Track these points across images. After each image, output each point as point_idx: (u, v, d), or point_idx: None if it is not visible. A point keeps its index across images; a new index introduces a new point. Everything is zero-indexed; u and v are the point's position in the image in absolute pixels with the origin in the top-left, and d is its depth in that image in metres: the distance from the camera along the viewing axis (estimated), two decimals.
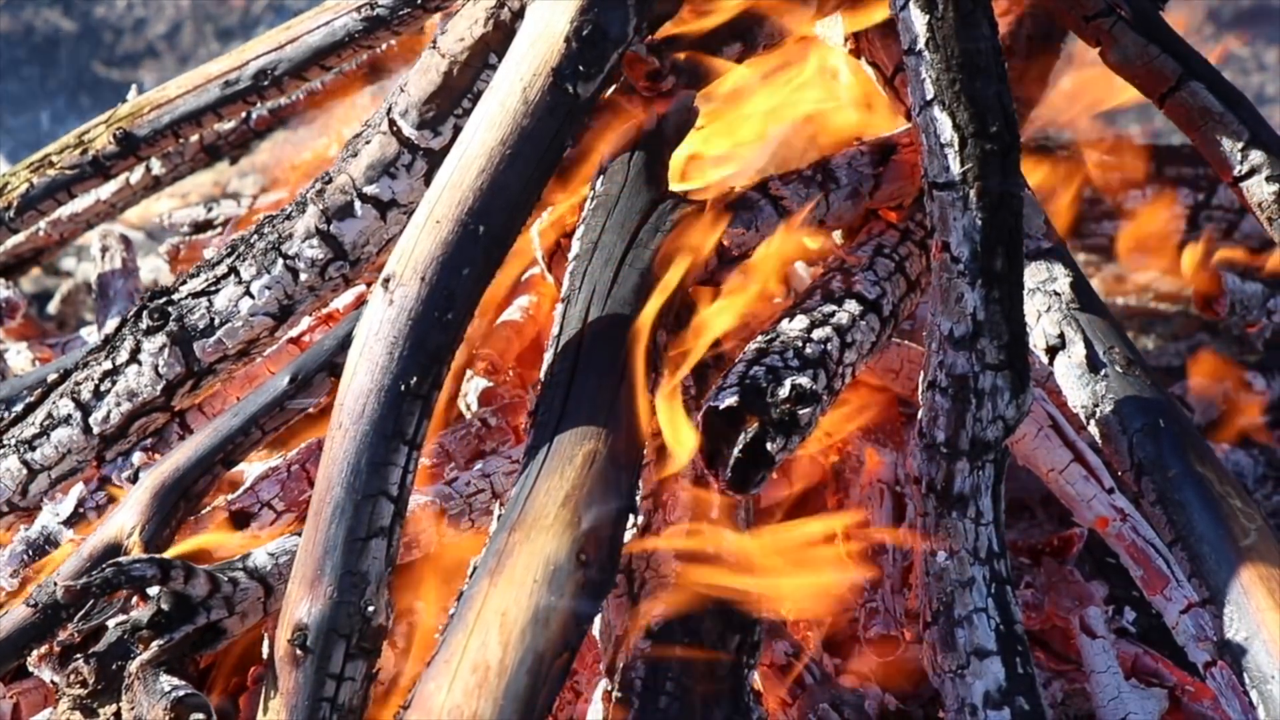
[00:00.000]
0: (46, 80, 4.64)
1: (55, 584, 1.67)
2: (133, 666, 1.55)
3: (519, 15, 1.67)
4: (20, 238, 2.69)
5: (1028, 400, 1.57)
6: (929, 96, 1.51)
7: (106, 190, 2.73)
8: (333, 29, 2.13)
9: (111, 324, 2.45)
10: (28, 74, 4.67)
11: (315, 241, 1.79)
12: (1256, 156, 1.88)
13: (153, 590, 1.57)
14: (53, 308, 3.14)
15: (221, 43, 4.66)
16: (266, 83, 2.18)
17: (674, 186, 1.84)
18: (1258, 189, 1.90)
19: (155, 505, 1.75)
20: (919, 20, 1.50)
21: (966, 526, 1.56)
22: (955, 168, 1.51)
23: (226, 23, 4.74)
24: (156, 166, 2.75)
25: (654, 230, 1.70)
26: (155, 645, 1.55)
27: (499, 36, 1.70)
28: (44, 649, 1.68)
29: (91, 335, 2.62)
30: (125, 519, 1.75)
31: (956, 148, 1.51)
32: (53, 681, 1.68)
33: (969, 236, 1.52)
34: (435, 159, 1.74)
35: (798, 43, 2.01)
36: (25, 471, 1.88)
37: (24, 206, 2.36)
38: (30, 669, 1.70)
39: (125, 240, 2.79)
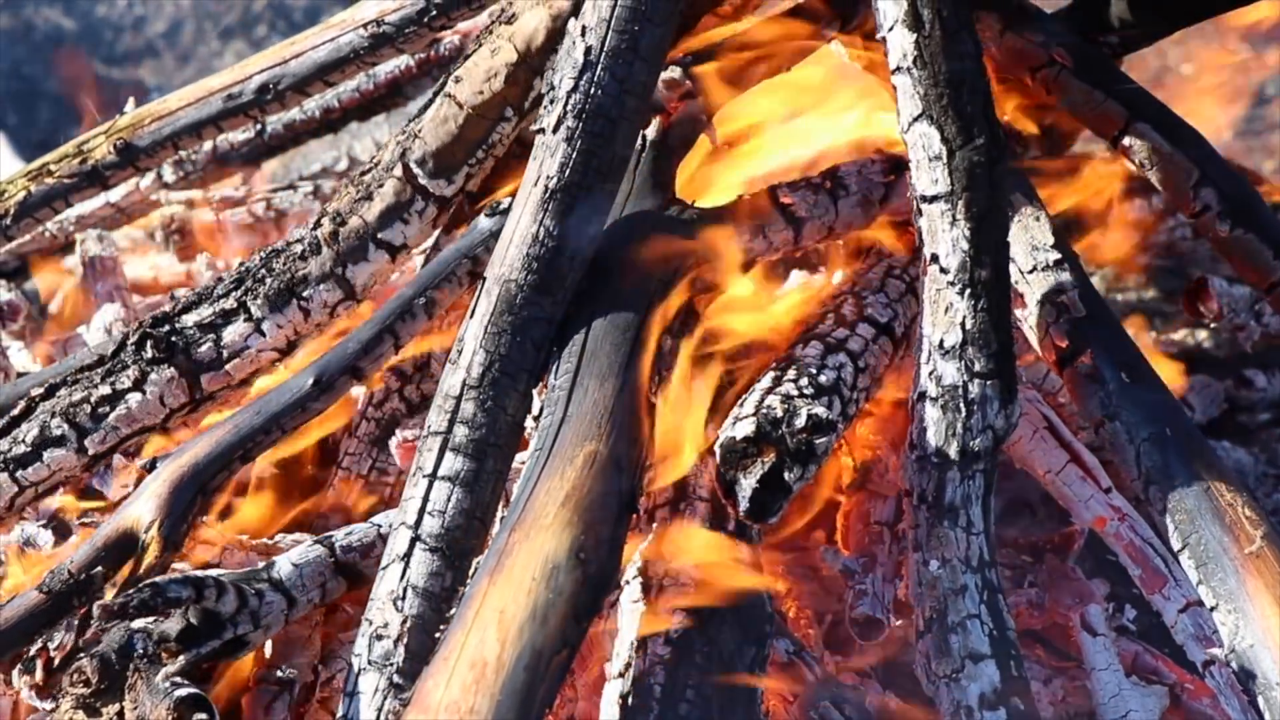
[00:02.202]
0: (47, 79, 4.64)
1: (67, 570, 1.67)
2: (158, 679, 1.54)
3: (538, 73, 1.71)
4: (26, 239, 2.69)
5: (1016, 411, 1.58)
6: (917, 112, 1.53)
7: (116, 194, 2.73)
8: (338, 45, 2.16)
9: (97, 323, 2.45)
10: (28, 73, 4.67)
11: (330, 284, 1.85)
12: (1207, 194, 1.94)
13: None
14: (54, 306, 3.14)
15: (222, 41, 4.66)
16: (269, 97, 2.20)
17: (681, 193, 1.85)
18: (1211, 225, 1.95)
19: (173, 500, 1.75)
20: (906, 39, 1.53)
21: (958, 536, 1.57)
22: (943, 180, 1.53)
23: (227, 21, 4.74)
24: (168, 173, 2.75)
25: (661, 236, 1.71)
26: (182, 659, 1.55)
27: (516, 93, 1.75)
28: (28, 678, 1.68)
29: (95, 335, 2.62)
30: (142, 510, 1.73)
31: (944, 160, 1.52)
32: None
33: (957, 247, 1.54)
34: (446, 204, 1.82)
35: (817, 60, 2.03)
36: (15, 489, 1.89)
37: (21, 214, 2.37)
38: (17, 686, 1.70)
39: (105, 241, 2.77)
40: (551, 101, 1.62)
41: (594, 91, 1.61)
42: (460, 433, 1.55)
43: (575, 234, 1.61)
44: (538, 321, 1.59)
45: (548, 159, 1.61)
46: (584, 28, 1.62)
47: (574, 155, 1.60)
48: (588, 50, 1.61)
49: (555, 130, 1.61)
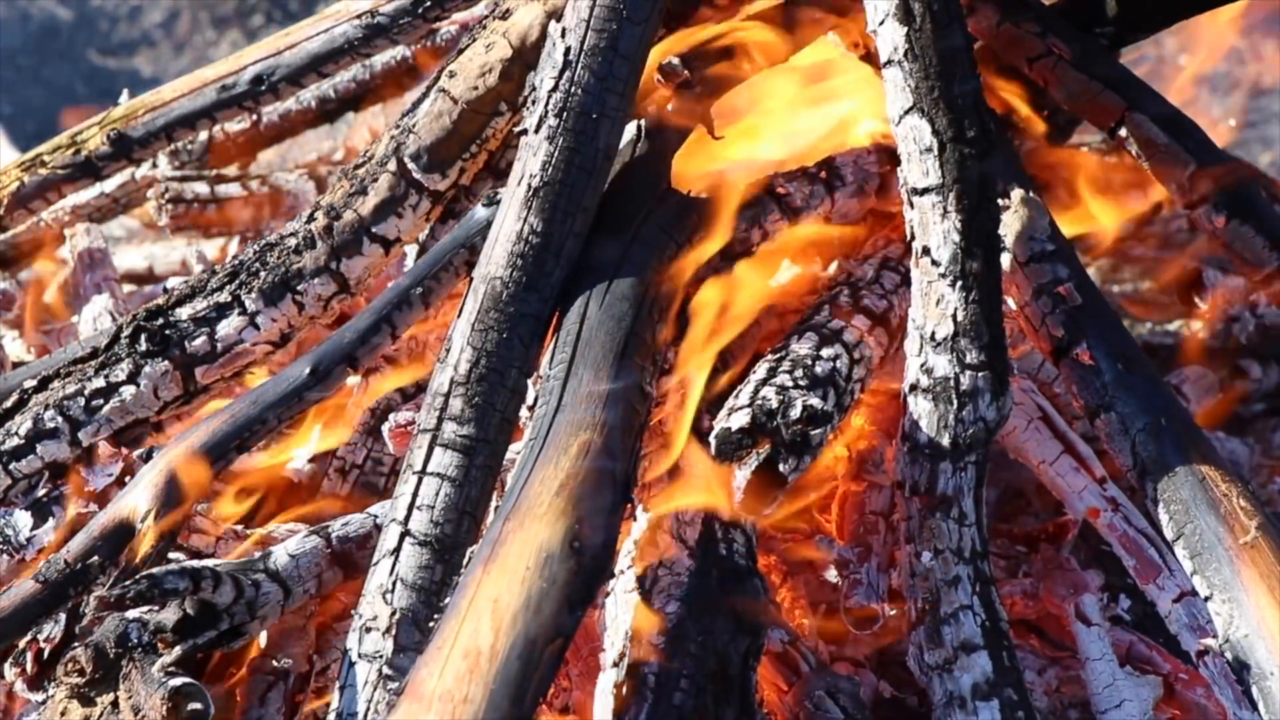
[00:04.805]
0: (43, 68, 4.63)
1: (63, 560, 1.67)
2: (154, 669, 1.54)
3: (532, 68, 1.72)
4: (21, 228, 2.68)
5: (1007, 403, 1.58)
6: (909, 104, 1.54)
7: (111, 184, 2.73)
8: (332, 36, 2.17)
9: (87, 318, 2.45)
10: (24, 62, 4.66)
11: (324, 278, 1.86)
12: (1204, 185, 1.93)
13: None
14: (49, 296, 3.13)
15: (218, 30, 4.65)
16: (263, 88, 2.21)
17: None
18: (1207, 217, 1.95)
19: (169, 489, 1.75)
20: (897, 32, 1.53)
21: (950, 527, 1.58)
22: (935, 173, 1.53)
23: (222, 10, 4.73)
24: (164, 165, 2.75)
25: (655, 226, 1.71)
26: (178, 649, 1.55)
27: (511, 88, 1.76)
28: (18, 670, 1.68)
29: (84, 326, 2.61)
30: (138, 500, 1.73)
31: (936, 153, 1.53)
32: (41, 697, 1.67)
33: (949, 240, 1.54)
34: (439, 198, 1.82)
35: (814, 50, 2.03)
36: (8, 481, 1.90)
37: (14, 205, 2.37)
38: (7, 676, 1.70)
39: (92, 232, 2.77)
40: (533, 102, 1.63)
41: (574, 90, 1.62)
42: (449, 429, 1.56)
43: (559, 230, 1.61)
44: (525, 318, 1.59)
45: (530, 158, 1.62)
46: (564, 29, 1.63)
47: (555, 153, 1.62)
48: (567, 50, 1.62)
49: (537, 130, 1.62)
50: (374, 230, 1.86)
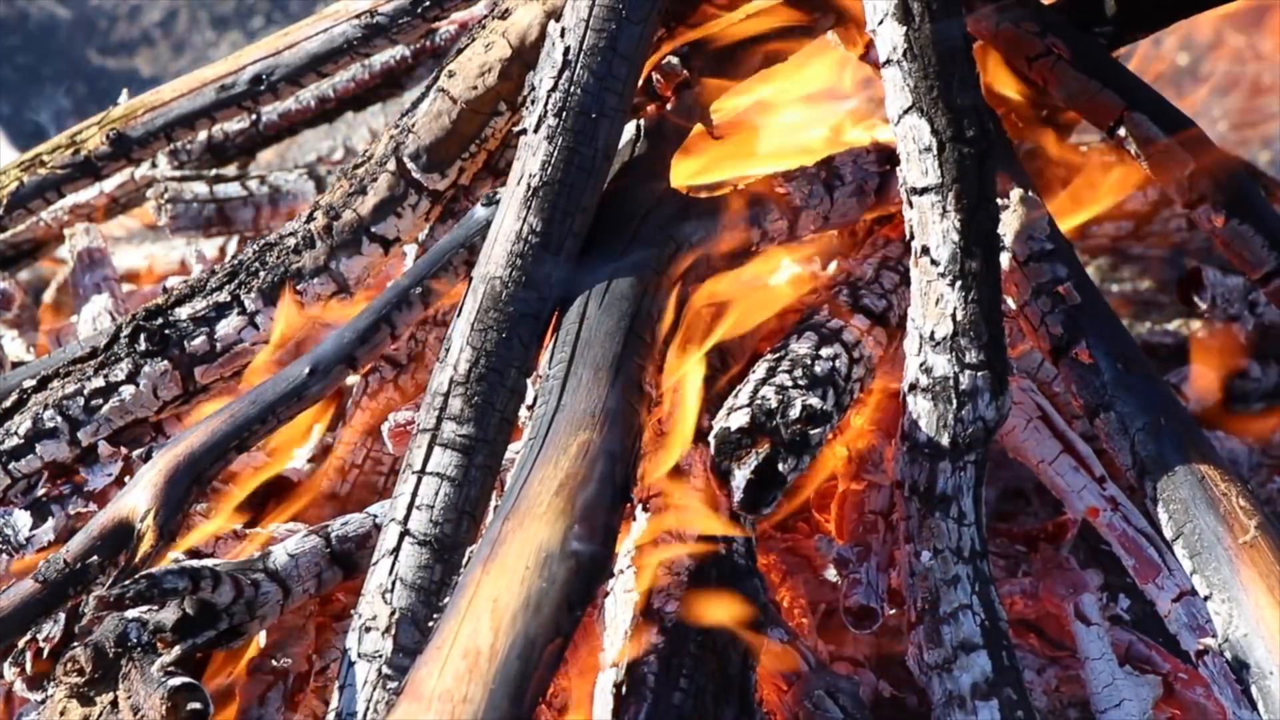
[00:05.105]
0: (42, 68, 4.63)
1: (62, 559, 1.67)
2: (152, 668, 1.54)
3: (532, 68, 1.72)
4: (21, 228, 2.68)
5: (1007, 402, 1.58)
6: (908, 104, 1.54)
7: (110, 184, 2.73)
8: (331, 36, 2.17)
9: (86, 318, 2.45)
10: (22, 61, 4.65)
11: (324, 278, 1.88)
12: (1203, 184, 1.93)
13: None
14: (48, 296, 3.13)
15: (216, 31, 4.65)
16: (263, 88, 2.21)
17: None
18: (1206, 216, 1.95)
19: (168, 489, 1.74)
20: (896, 32, 1.54)
21: (949, 526, 1.58)
22: (934, 172, 1.53)
23: (221, 10, 4.73)
24: (163, 164, 2.75)
25: (655, 226, 1.71)
26: (177, 649, 1.56)
27: (510, 88, 1.76)
28: (17, 669, 1.68)
29: (84, 326, 2.61)
30: (137, 500, 1.73)
31: (935, 152, 1.53)
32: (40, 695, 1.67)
33: (948, 239, 1.54)
34: (438, 198, 1.82)
35: (813, 50, 2.03)
36: (7, 480, 1.90)
37: (13, 205, 2.37)
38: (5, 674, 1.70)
39: (92, 233, 2.77)
40: (533, 102, 1.63)
41: (573, 90, 1.63)
42: (448, 429, 1.56)
43: (559, 230, 1.61)
44: (524, 318, 1.60)
45: (529, 157, 1.62)
46: (563, 29, 1.64)
47: (555, 153, 1.62)
48: (566, 50, 1.63)
49: (536, 130, 1.62)
50: (373, 230, 1.86)
